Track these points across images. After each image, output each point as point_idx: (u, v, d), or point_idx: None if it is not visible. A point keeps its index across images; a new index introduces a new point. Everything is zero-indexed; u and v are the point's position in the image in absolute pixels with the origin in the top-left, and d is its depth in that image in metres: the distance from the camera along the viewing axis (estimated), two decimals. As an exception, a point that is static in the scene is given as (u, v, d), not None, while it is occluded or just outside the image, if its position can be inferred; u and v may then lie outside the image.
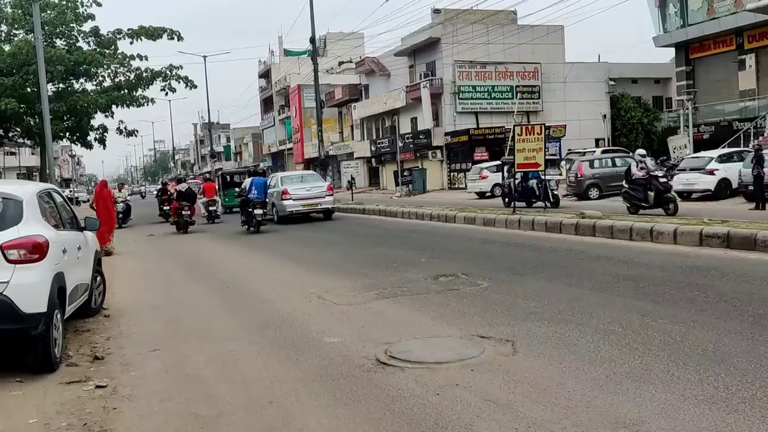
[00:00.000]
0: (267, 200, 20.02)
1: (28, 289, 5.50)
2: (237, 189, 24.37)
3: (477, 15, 39.37)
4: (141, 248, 16.83)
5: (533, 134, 15.56)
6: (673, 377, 4.58)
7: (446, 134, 41.07)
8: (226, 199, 29.21)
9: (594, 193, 23.86)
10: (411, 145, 43.55)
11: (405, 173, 39.27)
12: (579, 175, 24.28)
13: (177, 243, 17.86)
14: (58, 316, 5.97)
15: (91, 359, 6.10)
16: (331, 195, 21.97)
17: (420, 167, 41.22)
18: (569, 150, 35.74)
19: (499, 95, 42.23)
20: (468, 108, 41.73)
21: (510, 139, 31.46)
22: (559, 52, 43.73)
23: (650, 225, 11.65)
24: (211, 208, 24.37)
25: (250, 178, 20.48)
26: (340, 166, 55.99)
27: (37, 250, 5.64)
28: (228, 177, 32.66)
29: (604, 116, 41.00)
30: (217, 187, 28.57)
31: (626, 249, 10.94)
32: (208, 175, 51.33)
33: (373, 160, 50.72)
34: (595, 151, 31.87)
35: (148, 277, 11.61)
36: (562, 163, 33.73)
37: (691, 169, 20.64)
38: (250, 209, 18.83)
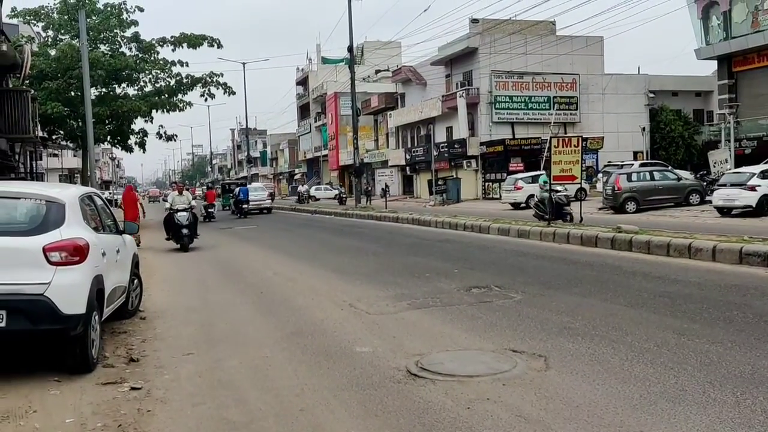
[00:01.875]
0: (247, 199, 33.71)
1: (69, 291, 5.62)
2: (231, 194, 36.56)
3: (515, 25, 39.22)
4: (178, 253, 17.06)
5: (570, 146, 15.43)
6: (709, 399, 4.50)
7: (481, 144, 40.93)
8: (224, 200, 40.28)
9: (631, 206, 23.54)
10: (446, 154, 43.48)
11: (439, 182, 39.24)
12: (616, 188, 23.99)
13: (212, 246, 18.09)
14: (96, 317, 6.09)
15: (127, 361, 6.21)
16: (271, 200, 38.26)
17: (454, 177, 41.13)
18: (607, 162, 35.33)
19: (536, 106, 41.98)
20: (504, 118, 41.56)
21: (546, 150, 31.36)
22: (598, 63, 43.35)
23: (688, 241, 11.44)
24: (209, 210, 30.95)
25: (239, 188, 35.43)
26: (375, 173, 56.17)
27: (77, 253, 5.76)
28: (227, 185, 44.93)
29: (643, 129, 40.44)
30: (217, 193, 40.30)
31: (663, 265, 10.77)
32: (210, 185, 65.88)
33: (407, 168, 50.74)
34: (633, 164, 31.45)
35: (183, 281, 11.77)
36: (599, 175, 33.37)
37: (732, 185, 20.24)
38: (240, 205, 33.25)
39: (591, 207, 24.11)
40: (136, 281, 8.41)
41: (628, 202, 23.67)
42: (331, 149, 64.72)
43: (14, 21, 27.04)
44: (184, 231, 16.38)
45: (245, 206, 33.14)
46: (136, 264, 8.50)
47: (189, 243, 16.48)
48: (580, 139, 15.98)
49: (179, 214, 16.59)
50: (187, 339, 7.04)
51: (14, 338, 5.66)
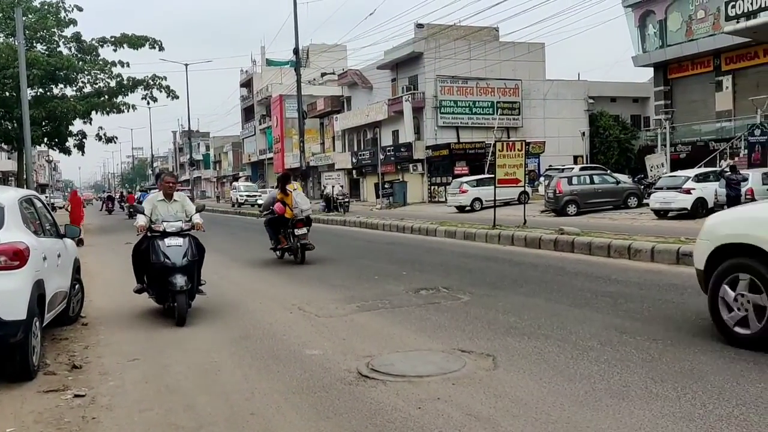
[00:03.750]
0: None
1: (8, 297, 5.44)
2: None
3: (459, 31, 39.75)
4: (117, 256, 16.65)
5: (514, 150, 15.73)
6: (651, 394, 4.65)
7: (427, 148, 41.31)
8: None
9: (572, 209, 24.13)
10: (392, 158, 43.71)
11: (386, 186, 39.40)
12: (557, 192, 24.56)
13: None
14: (37, 323, 5.91)
15: (69, 368, 6.04)
16: None
17: (401, 180, 41.37)
18: (549, 166, 36.14)
19: (480, 110, 42.62)
20: (449, 122, 42.05)
21: (491, 154, 31.83)
22: (539, 70, 44.30)
23: (628, 243, 11.80)
24: (130, 210, 35.81)
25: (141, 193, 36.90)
26: (321, 177, 55.99)
27: (17, 257, 5.59)
28: (146, 190, 48.36)
29: (583, 134, 41.52)
30: (135, 197, 43.63)
31: (604, 266, 11.07)
32: (130, 190, 73.69)
33: (354, 171, 50.79)
34: (573, 168, 32.25)
35: (125, 285, 11.47)
36: (541, 179, 34.11)
37: (668, 188, 20.97)
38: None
39: (533, 210, 24.59)
40: (77, 286, 8.19)
41: (569, 205, 24.26)
42: (276, 152, 64.24)
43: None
44: (178, 281, 7.72)
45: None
46: (77, 269, 8.28)
47: (186, 307, 7.90)
48: (523, 143, 16.32)
49: (168, 243, 7.92)
50: (131, 345, 6.89)
51: (-50, 346, 5.44)
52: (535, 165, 37.68)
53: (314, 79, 60.28)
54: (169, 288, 7.72)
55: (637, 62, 37.19)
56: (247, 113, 77.19)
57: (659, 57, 35.64)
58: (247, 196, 49.56)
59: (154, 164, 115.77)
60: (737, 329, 5.72)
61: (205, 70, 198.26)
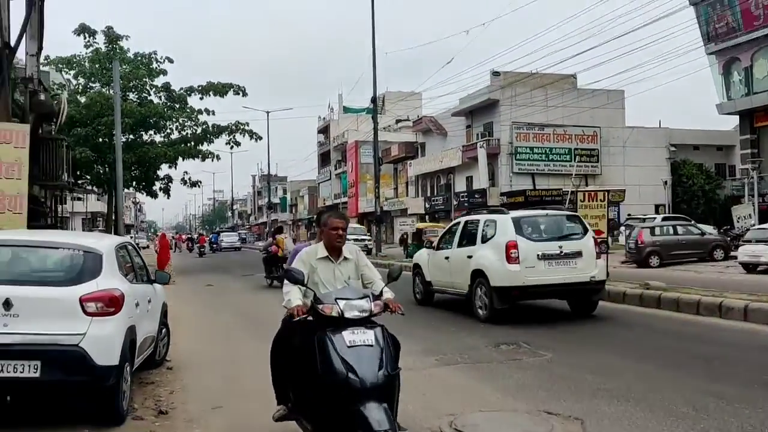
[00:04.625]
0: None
1: (103, 342, 5.63)
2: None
3: (537, 79, 39.62)
4: (200, 299, 17.09)
5: (596, 200, 15.39)
6: (757, 471, 4.36)
7: (502, 194, 40.99)
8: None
9: (654, 260, 23.33)
10: (466, 204, 43.49)
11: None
12: (639, 242, 23.83)
13: (234, 294, 18.10)
14: (128, 368, 6.08)
15: (156, 413, 6.16)
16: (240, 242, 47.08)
17: (474, 227, 40.95)
18: (628, 216, 35.20)
19: (556, 157, 42.14)
20: (525, 169, 41.71)
21: (568, 201, 31.27)
22: (619, 117, 43.59)
23: (719, 300, 11.26)
24: (201, 249, 49.62)
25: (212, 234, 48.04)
26: (394, 221, 56.28)
27: (113, 304, 5.79)
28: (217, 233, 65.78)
29: (665, 182, 40.33)
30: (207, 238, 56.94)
31: (694, 324, 10.58)
32: (202, 232, 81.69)
33: (427, 217, 50.76)
34: (655, 218, 31.29)
35: (208, 329, 11.76)
36: (621, 228, 33.21)
37: (758, 241, 20.03)
38: (212, 245, 50.55)
39: (613, 261, 23.82)
40: (164, 330, 8.40)
41: (652, 257, 23.47)
42: (351, 196, 65.11)
43: (46, 68, 27.80)
44: (374, 416, 3.99)
45: (215, 245, 57.96)
46: (164, 313, 8.51)
47: None
48: (606, 193, 15.95)
49: (349, 339, 4.29)
50: (215, 391, 6.99)
51: (48, 389, 5.64)
52: (614, 214, 36.76)
53: (389, 126, 61.16)
54: (353, 427, 4.03)
55: (722, 110, 36.08)
56: (324, 158, 78.82)
57: (745, 105, 34.47)
58: (355, 239, 41.23)
59: (234, 207, 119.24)
60: None
61: (285, 118, 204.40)
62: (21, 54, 11.84)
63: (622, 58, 76.62)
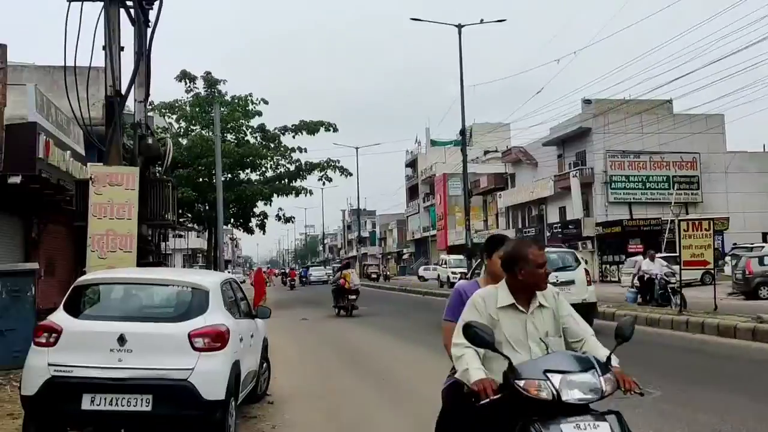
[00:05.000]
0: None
1: (210, 377, 5.79)
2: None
3: (630, 105, 38.53)
4: (296, 332, 17.37)
5: (701, 230, 14.68)
6: None
7: (597, 225, 39.83)
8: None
9: (764, 292, 21.93)
10: (559, 235, 42.57)
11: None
12: (747, 273, 22.48)
13: (328, 327, 18.30)
14: (233, 403, 6.22)
15: (261, 448, 6.25)
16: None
17: (569, 258, 39.95)
18: (734, 245, 33.39)
19: (654, 185, 40.67)
20: (621, 198, 40.43)
21: (668, 231, 30.07)
22: (719, 141, 41.70)
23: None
24: (292, 282, 53.66)
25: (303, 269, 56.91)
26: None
27: (220, 339, 5.96)
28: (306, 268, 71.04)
29: (773, 209, 38.11)
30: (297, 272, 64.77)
31: (817, 360, 9.85)
32: (293, 266, 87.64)
33: (519, 249, 49.96)
34: (764, 247, 29.52)
35: (305, 363, 11.90)
36: (727, 258, 31.53)
37: None
38: (302, 278, 56.23)
39: (720, 292, 22.60)
40: (265, 365, 8.56)
41: (761, 288, 22.05)
42: (440, 229, 64.99)
43: (151, 113, 29.43)
44: None
45: (304, 279, 61.95)
46: (265, 348, 8.67)
47: None
48: (711, 222, 15.18)
49: None
50: (317, 427, 7.05)
51: (158, 422, 5.83)
52: (718, 243, 34.98)
53: (477, 158, 60.94)
54: None
55: (835, 130, 33.91)
56: (412, 192, 79.20)
57: None
58: (456, 273, 37.97)
59: (325, 241, 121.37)
60: None
61: (373, 153, 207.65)
62: (129, 101, 12.58)
63: (722, 81, 73.32)
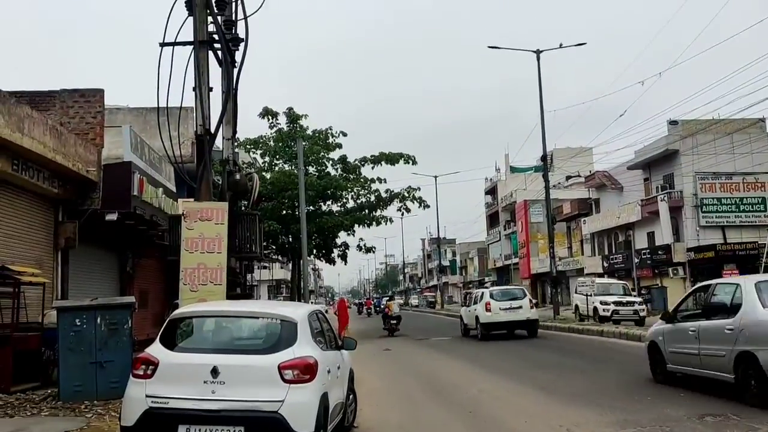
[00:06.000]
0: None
1: (300, 409, 5.85)
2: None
3: (719, 125, 37.06)
4: (379, 362, 17.38)
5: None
6: None
7: (689, 250, 38.22)
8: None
9: None
10: (648, 261, 41.11)
11: (643, 291, 37.00)
12: None
13: (410, 357, 18.21)
14: (322, 435, 6.24)
15: (350, 481, 6.23)
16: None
17: (659, 285, 38.56)
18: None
19: (748, 208, 38.83)
20: (713, 222, 38.75)
21: (765, 255, 28.51)
22: (817, 159, 39.42)
23: None
24: (368, 311, 59.59)
25: (377, 299, 56.24)
26: (569, 282, 54.28)
27: (309, 371, 6.02)
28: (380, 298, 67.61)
29: None
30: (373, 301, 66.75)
31: None
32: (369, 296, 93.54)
33: (605, 276, 48.47)
34: None
35: (389, 394, 11.86)
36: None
37: None
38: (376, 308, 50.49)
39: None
40: (351, 396, 8.57)
41: None
42: (522, 257, 63.92)
43: (238, 150, 30.47)
44: None
45: (378, 308, 57.85)
46: (351, 379, 8.69)
47: None
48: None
49: None
50: (404, 460, 6.97)
51: (250, 453, 5.91)
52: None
53: (559, 183, 59.86)
54: None
55: None
56: (492, 219, 78.42)
57: None
58: (609, 303, 27.85)
59: (405, 270, 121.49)
60: None
61: (452, 182, 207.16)
62: (218, 139, 13.07)
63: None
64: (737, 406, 8.76)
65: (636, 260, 40.35)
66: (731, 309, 9.35)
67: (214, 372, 5.92)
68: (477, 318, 23.31)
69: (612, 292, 29.03)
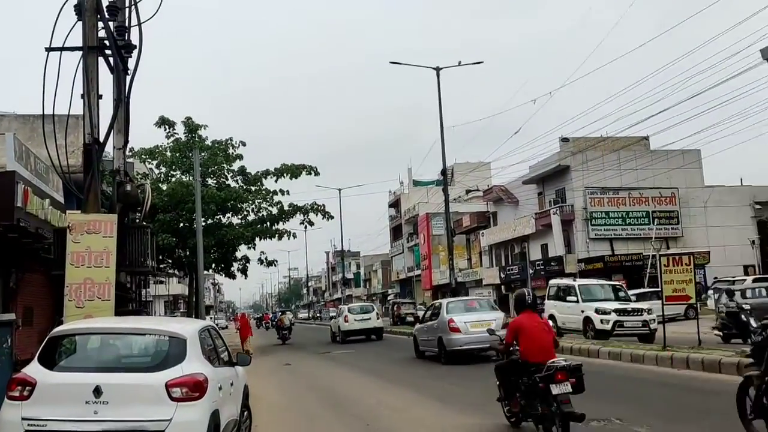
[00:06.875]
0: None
1: (188, 428, 5.67)
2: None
3: (607, 143, 39.14)
4: (279, 378, 17.12)
5: (681, 264, 14.75)
6: None
7: (579, 261, 40.05)
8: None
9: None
10: (542, 272, 42.69)
11: (538, 301, 38.27)
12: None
13: (312, 372, 18.06)
14: (212, 454, 6.06)
15: (241, 500, 6.09)
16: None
17: (553, 295, 40.00)
18: (715, 278, 33.63)
19: (634, 221, 41.14)
20: (602, 234, 40.81)
21: (649, 266, 30.25)
22: (697, 176, 42.39)
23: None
24: (266, 325, 57.98)
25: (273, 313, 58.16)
26: (469, 293, 55.53)
27: (198, 389, 5.85)
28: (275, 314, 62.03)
29: (753, 242, 38.53)
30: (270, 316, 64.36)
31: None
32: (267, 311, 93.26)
33: (502, 287, 49.99)
34: (745, 280, 29.73)
35: (288, 410, 11.69)
36: (709, 292, 31.70)
37: None
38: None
39: (703, 326, 22.64)
40: (246, 413, 8.38)
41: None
42: (424, 269, 64.91)
43: (131, 160, 29.32)
44: None
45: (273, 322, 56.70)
46: (246, 395, 8.51)
47: None
48: (692, 257, 15.25)
49: None
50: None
51: (135, 476, 5.67)
52: (700, 277, 35.22)
53: (459, 197, 61.30)
54: None
55: (808, 163, 34.55)
56: (396, 232, 79.27)
57: (834, 156, 32.93)
58: (622, 315, 19.96)
59: (309, 284, 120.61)
60: None
61: (356, 195, 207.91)
62: (109, 148, 12.57)
63: (698, 117, 74.81)
64: (619, 409, 9.21)
65: (531, 271, 41.84)
66: (437, 315, 18.56)
67: (97, 392, 5.65)
68: (339, 327, 30.63)
69: (603, 297, 21.10)
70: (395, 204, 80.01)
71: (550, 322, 15.78)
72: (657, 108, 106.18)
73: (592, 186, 40.69)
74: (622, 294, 21.63)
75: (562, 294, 22.24)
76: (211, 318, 53.78)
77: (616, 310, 19.65)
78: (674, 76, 79.07)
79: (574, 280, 23.24)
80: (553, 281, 24.82)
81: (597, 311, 19.90)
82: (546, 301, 23.03)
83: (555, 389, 7.16)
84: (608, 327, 19.38)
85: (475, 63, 33.31)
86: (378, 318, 30.87)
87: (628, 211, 41.30)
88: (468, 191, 62.67)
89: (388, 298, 79.27)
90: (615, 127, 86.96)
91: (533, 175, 44.88)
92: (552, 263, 41.74)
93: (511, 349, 8.14)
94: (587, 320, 20.15)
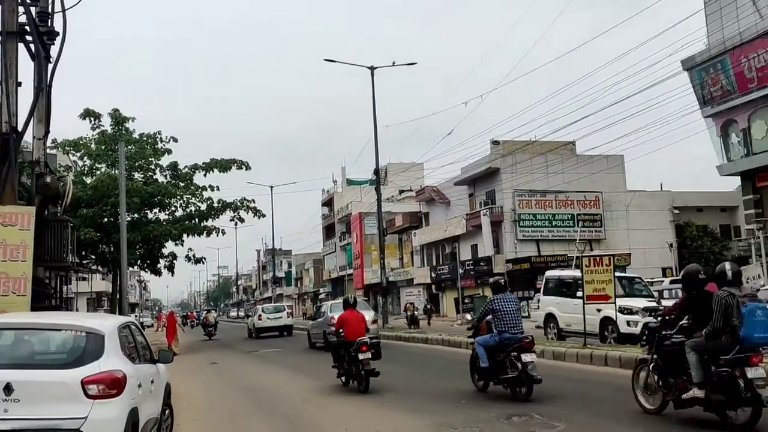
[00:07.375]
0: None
1: (105, 426, 5.52)
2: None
3: (536, 146, 40.13)
4: (205, 376, 16.83)
5: (602, 265, 15.25)
6: None
7: (507, 261, 40.93)
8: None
9: (666, 324, 22.76)
10: (472, 272, 43.43)
11: (466, 300, 38.92)
12: (648, 306, 23.33)
13: (239, 370, 17.83)
14: (131, 453, 5.92)
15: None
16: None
17: (481, 294, 40.73)
18: (635, 279, 34.87)
19: (560, 223, 42.29)
20: (529, 236, 41.79)
21: (573, 266, 31.11)
22: (620, 181, 43.92)
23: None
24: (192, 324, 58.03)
25: (199, 311, 63.30)
26: (400, 292, 55.94)
27: (115, 386, 5.70)
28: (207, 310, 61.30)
29: (671, 245, 40.22)
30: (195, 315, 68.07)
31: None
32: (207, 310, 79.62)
33: (433, 286, 50.58)
34: (663, 281, 31.05)
35: (212, 409, 11.51)
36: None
37: (769, 301, 19.72)
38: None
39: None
40: (167, 411, 8.20)
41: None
42: (356, 268, 64.99)
43: (53, 151, 28.25)
44: None
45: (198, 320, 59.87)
46: (168, 393, 8.32)
47: None
48: (612, 258, 15.79)
49: None
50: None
51: (47, 476, 5.48)
52: (621, 278, 36.50)
53: (392, 197, 61.66)
54: None
55: (723, 171, 36.20)
56: (328, 231, 79.08)
57: (745, 165, 34.60)
58: (636, 312, 17.06)
59: (239, 282, 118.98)
60: None
61: (289, 192, 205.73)
62: (28, 137, 12.08)
63: (621, 123, 77.48)
64: (540, 406, 9.47)
65: (461, 271, 42.46)
66: (322, 314, 23.12)
67: (7, 389, 5.43)
68: (254, 324, 33.53)
69: (621, 292, 17.07)
70: (328, 203, 79.83)
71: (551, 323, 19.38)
72: (583, 113, 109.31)
73: (520, 188, 41.64)
74: (638, 287, 18.32)
75: (565, 288, 18.73)
76: (136, 316, 52.34)
77: (646, 309, 15.85)
78: (599, 83, 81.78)
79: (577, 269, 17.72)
80: (551, 272, 21.66)
81: (622, 311, 16.22)
82: (541, 297, 20.47)
83: (361, 356, 11.86)
84: (636, 330, 15.57)
85: (408, 64, 33.62)
86: (289, 317, 34.75)
87: (554, 213, 42.44)
88: (401, 191, 63.18)
89: (320, 297, 79.01)
90: (543, 131, 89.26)
91: (465, 176, 45.59)
92: (481, 263, 42.51)
93: (340, 333, 12.56)
94: (606, 321, 16.70)
